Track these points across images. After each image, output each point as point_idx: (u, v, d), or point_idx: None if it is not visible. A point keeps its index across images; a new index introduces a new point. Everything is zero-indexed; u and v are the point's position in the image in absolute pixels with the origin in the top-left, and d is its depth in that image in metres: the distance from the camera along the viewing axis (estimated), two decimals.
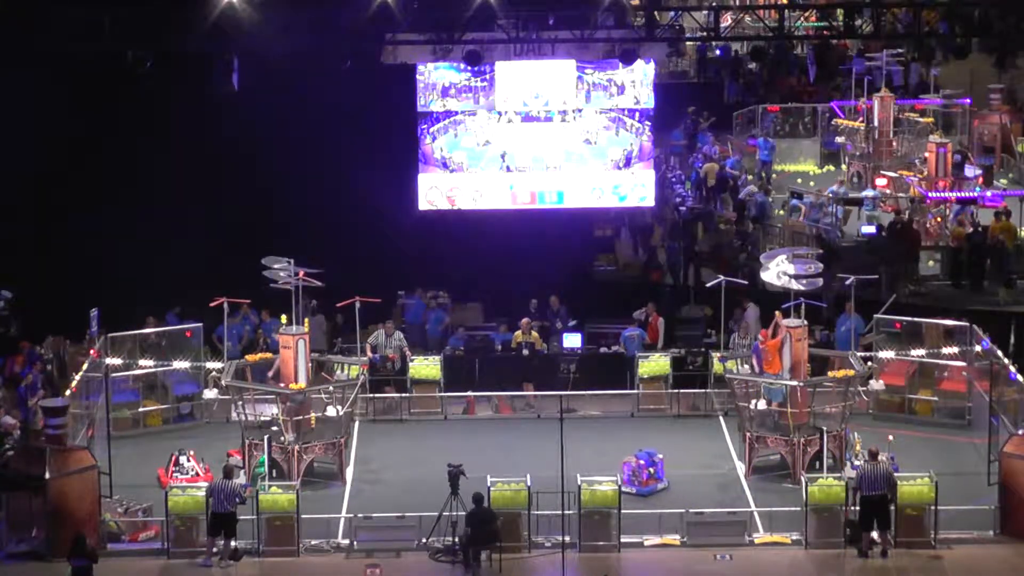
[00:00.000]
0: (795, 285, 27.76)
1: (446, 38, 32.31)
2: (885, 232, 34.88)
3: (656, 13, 34.05)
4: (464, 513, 24.71)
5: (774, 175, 41.19)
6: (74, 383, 27.74)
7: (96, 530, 24.93)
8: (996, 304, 33.46)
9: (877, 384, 29.32)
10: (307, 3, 31.46)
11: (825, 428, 27.42)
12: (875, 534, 24.80)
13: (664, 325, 32.51)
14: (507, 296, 34.24)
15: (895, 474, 25.38)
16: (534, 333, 31.75)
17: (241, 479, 26.90)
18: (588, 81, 33.93)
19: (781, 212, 37.77)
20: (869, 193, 37.04)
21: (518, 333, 31.70)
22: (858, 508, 24.86)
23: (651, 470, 27.21)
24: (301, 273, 27.55)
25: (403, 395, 30.91)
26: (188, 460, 27.40)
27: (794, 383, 27.41)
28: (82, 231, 34.33)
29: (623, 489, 25.66)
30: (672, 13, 34.37)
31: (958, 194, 35.99)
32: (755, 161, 42.55)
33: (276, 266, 27.72)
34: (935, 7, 35.70)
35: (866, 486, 24.72)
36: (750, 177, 41.11)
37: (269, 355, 28.88)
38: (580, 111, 34.11)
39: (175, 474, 27.14)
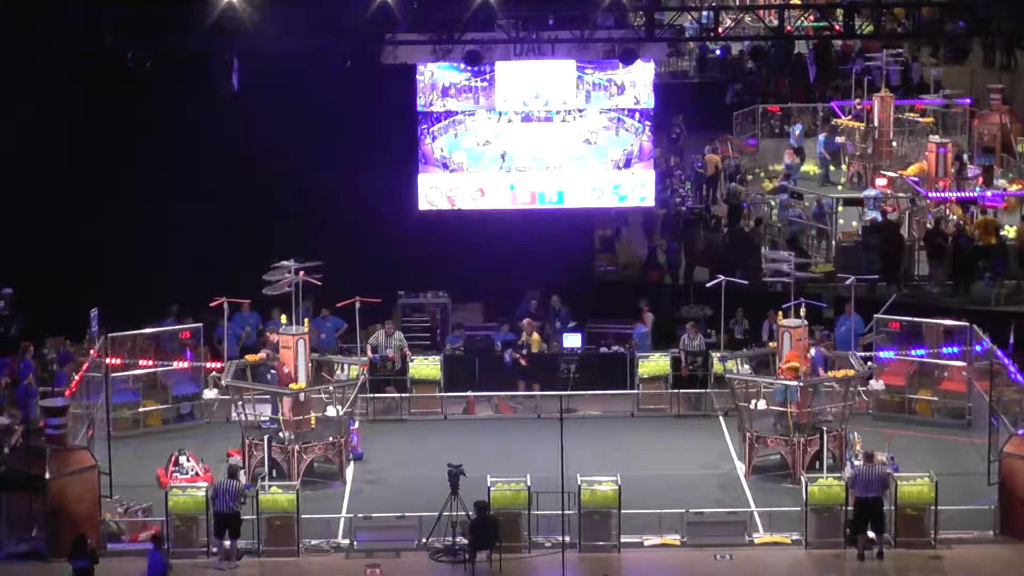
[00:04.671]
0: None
1: (446, 38, 32.27)
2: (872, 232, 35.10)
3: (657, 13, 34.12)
4: (463, 513, 24.73)
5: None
6: (74, 383, 27.74)
7: (96, 530, 24.94)
8: (997, 304, 33.60)
9: (877, 384, 29.36)
10: (307, 3, 31.43)
11: (825, 428, 27.43)
12: (871, 534, 24.80)
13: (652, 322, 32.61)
14: (507, 296, 34.24)
15: (894, 474, 25.42)
16: (535, 335, 31.70)
17: (241, 479, 26.92)
18: (588, 81, 33.89)
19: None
20: (871, 193, 37.09)
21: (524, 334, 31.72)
22: (851, 509, 24.88)
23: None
24: (300, 272, 27.56)
25: (403, 395, 30.93)
26: (188, 460, 27.41)
27: (794, 383, 27.41)
28: (82, 231, 34.28)
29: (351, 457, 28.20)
30: (692, 21, 34.35)
31: (958, 194, 36.05)
32: (754, 161, 42.64)
33: (276, 269, 27.76)
34: (934, 7, 35.73)
35: (860, 488, 24.72)
36: (750, 177, 41.20)
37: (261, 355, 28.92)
38: (580, 111, 34.09)
39: (175, 474, 27.14)
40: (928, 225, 35.47)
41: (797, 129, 42.01)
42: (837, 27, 35.31)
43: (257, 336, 31.63)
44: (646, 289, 34.98)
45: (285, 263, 27.74)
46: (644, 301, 33.14)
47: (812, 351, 28.42)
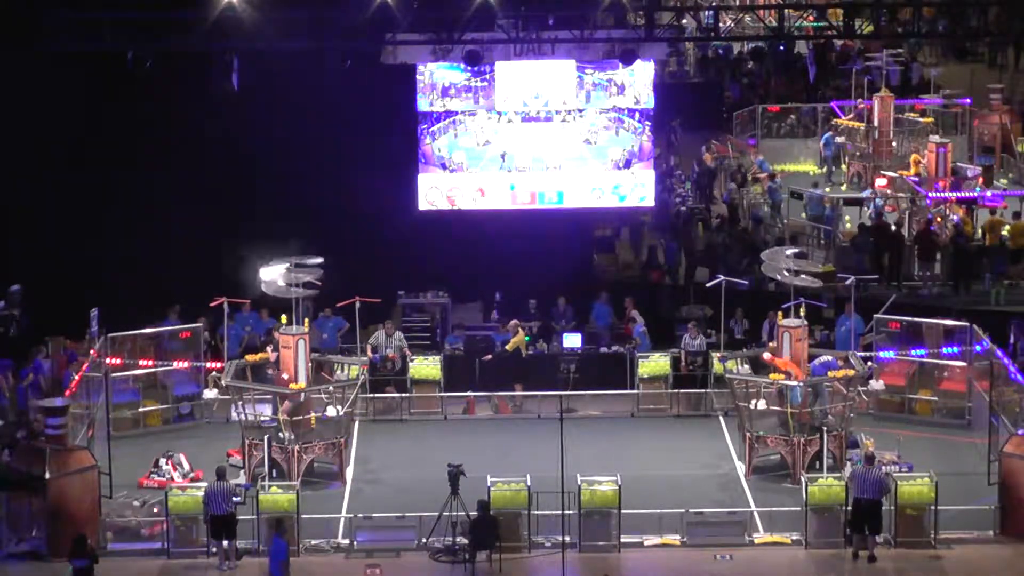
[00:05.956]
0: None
1: (446, 38, 32.27)
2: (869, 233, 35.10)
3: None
4: (463, 513, 24.74)
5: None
6: (74, 383, 27.74)
7: (96, 530, 24.94)
8: (997, 304, 33.62)
9: (877, 384, 29.35)
10: (307, 3, 31.44)
11: (825, 428, 27.44)
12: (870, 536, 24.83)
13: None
14: (507, 296, 34.24)
15: (899, 472, 25.43)
16: (516, 336, 31.52)
17: (240, 479, 26.94)
18: (588, 81, 33.91)
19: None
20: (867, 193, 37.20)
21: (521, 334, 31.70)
22: (850, 509, 24.91)
23: None
24: (300, 286, 27.60)
25: (403, 395, 30.92)
26: (167, 463, 27.56)
27: (794, 383, 27.41)
28: (82, 231, 34.30)
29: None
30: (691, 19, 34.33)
31: (958, 194, 36.06)
32: (754, 160, 42.65)
33: (276, 268, 27.81)
34: (934, 6, 35.74)
35: (857, 489, 24.73)
36: (750, 177, 41.19)
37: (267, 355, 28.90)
38: (580, 111, 34.10)
39: (158, 475, 27.31)
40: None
41: (828, 137, 41.18)
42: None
43: (265, 335, 31.61)
44: (634, 288, 34.95)
45: (283, 266, 27.77)
46: (629, 299, 33.08)
47: (828, 357, 28.42)
